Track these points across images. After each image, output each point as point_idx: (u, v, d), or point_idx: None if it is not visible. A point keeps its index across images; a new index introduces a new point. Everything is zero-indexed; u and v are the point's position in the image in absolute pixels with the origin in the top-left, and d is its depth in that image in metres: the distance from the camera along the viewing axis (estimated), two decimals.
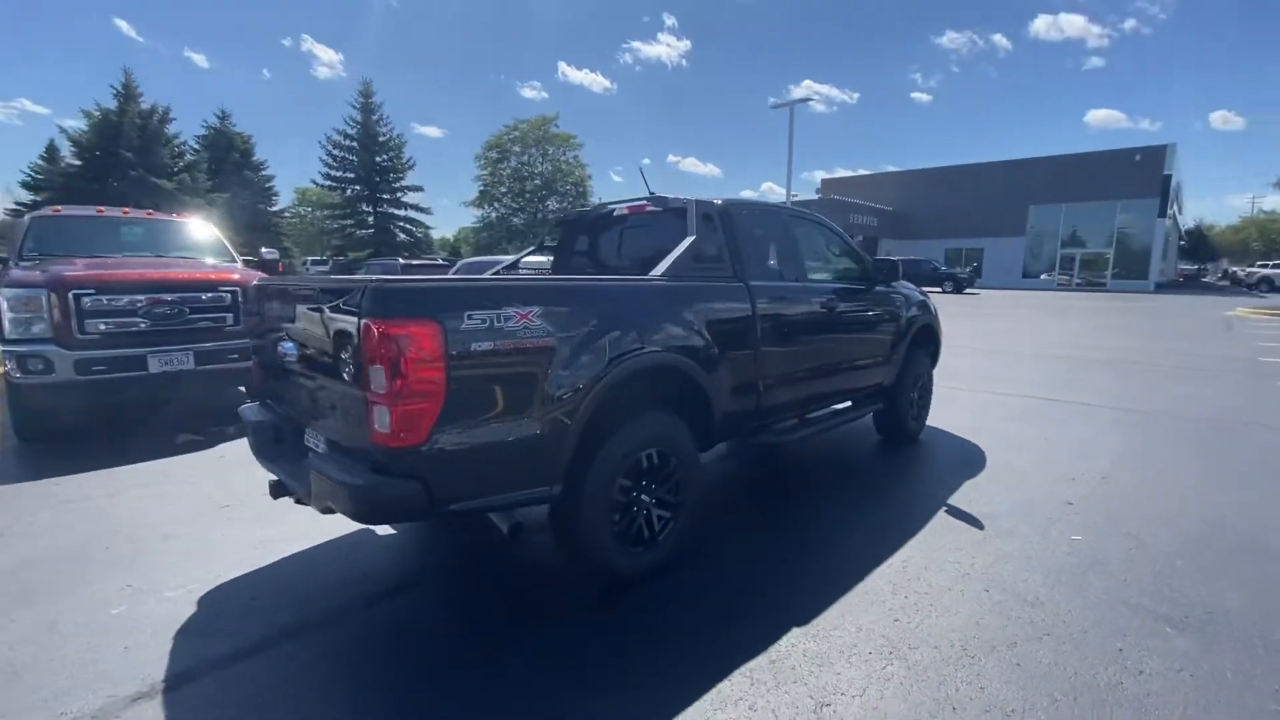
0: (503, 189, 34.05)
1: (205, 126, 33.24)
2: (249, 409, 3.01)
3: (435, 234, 33.88)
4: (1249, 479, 4.18)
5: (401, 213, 31.19)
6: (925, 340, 5.11)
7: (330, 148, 30.33)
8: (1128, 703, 2.01)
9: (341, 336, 2.11)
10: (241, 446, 4.91)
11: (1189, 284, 44.23)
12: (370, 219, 30.77)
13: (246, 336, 3.05)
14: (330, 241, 32.61)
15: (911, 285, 5.18)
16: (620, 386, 2.46)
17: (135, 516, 3.51)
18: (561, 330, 2.30)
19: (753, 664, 2.21)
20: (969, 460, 4.60)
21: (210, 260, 6.20)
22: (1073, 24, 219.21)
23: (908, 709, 1.99)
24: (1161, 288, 35.43)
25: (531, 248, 4.36)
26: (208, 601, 2.63)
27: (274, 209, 33.59)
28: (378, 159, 30.32)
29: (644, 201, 3.69)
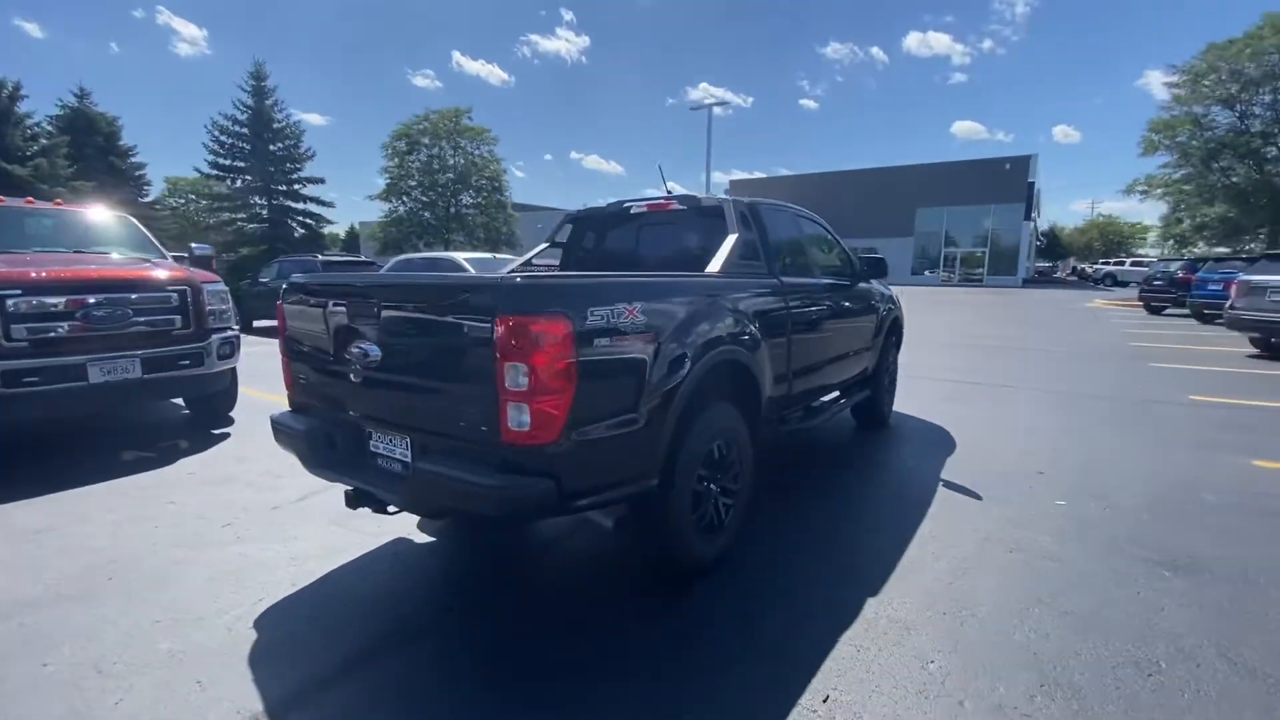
0: (411, 182, 32.40)
1: (61, 106, 29.16)
2: (286, 417, 2.78)
3: (324, 229, 31.65)
4: (1166, 445, 4.91)
5: (300, 206, 28.85)
6: (894, 331, 5.54)
7: (217, 133, 27.42)
8: (1164, 635, 2.36)
9: (463, 335, 2.05)
10: (207, 461, 4.51)
11: (1045, 280, 50.03)
12: (264, 212, 28.22)
13: (283, 340, 2.80)
14: (210, 237, 29.65)
15: (880, 281, 5.58)
16: (703, 379, 2.54)
17: (125, 544, 3.13)
18: (660, 325, 2.34)
19: (850, 634, 2.37)
20: (939, 440, 5.06)
21: (139, 255, 5.55)
22: (940, 41, 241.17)
23: (999, 657, 2.22)
24: (1027, 283, 39.91)
25: (544, 244, 4.29)
26: (267, 625, 2.43)
27: (147, 200, 30.06)
28: (272, 147, 27.80)
29: (665, 199, 3.76)
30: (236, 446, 4.88)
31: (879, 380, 5.15)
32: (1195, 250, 23.03)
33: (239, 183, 28.68)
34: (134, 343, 4.63)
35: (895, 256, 42.86)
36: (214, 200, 29.96)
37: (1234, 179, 21.70)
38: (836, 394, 4.73)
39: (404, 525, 3.33)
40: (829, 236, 4.59)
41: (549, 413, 1.93)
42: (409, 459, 2.34)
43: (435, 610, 2.58)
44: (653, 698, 2.03)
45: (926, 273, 42.14)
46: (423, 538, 3.24)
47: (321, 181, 29.44)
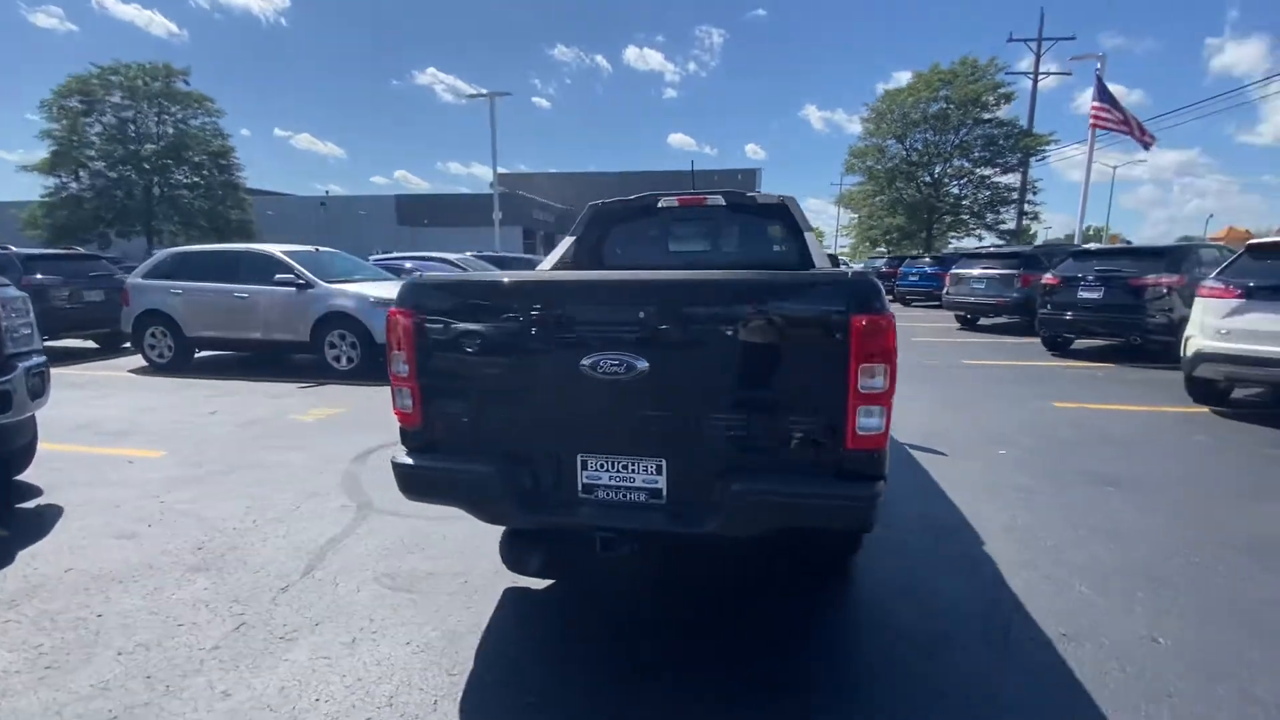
0: (91, 152, 24.63)
1: None
2: (436, 460, 2.09)
3: None
4: (993, 400, 6.46)
5: None
6: None
7: None
8: (1170, 535, 3.21)
9: (798, 336, 1.83)
10: (73, 547, 3.11)
11: None
12: None
13: (412, 361, 2.07)
14: None
15: None
16: None
17: (93, 691, 2.03)
18: None
19: (1017, 584, 2.74)
20: None
21: None
22: (654, 58, 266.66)
23: (1110, 572, 2.79)
24: None
25: (569, 237, 3.78)
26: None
27: None
28: None
29: (700, 195, 3.71)
30: (95, 519, 3.39)
31: None
32: (882, 250, 29.84)
33: None
34: None
35: None
36: None
37: (906, 196, 28.82)
38: None
39: (485, 575, 2.78)
40: None
41: (890, 412, 1.87)
42: (660, 485, 2.00)
43: (652, 644, 2.25)
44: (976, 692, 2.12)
45: None
46: (532, 582, 2.74)
47: None
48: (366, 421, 5.55)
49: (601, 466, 2.05)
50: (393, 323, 2.11)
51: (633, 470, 2.03)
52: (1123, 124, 17.26)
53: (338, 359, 7.67)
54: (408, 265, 12.72)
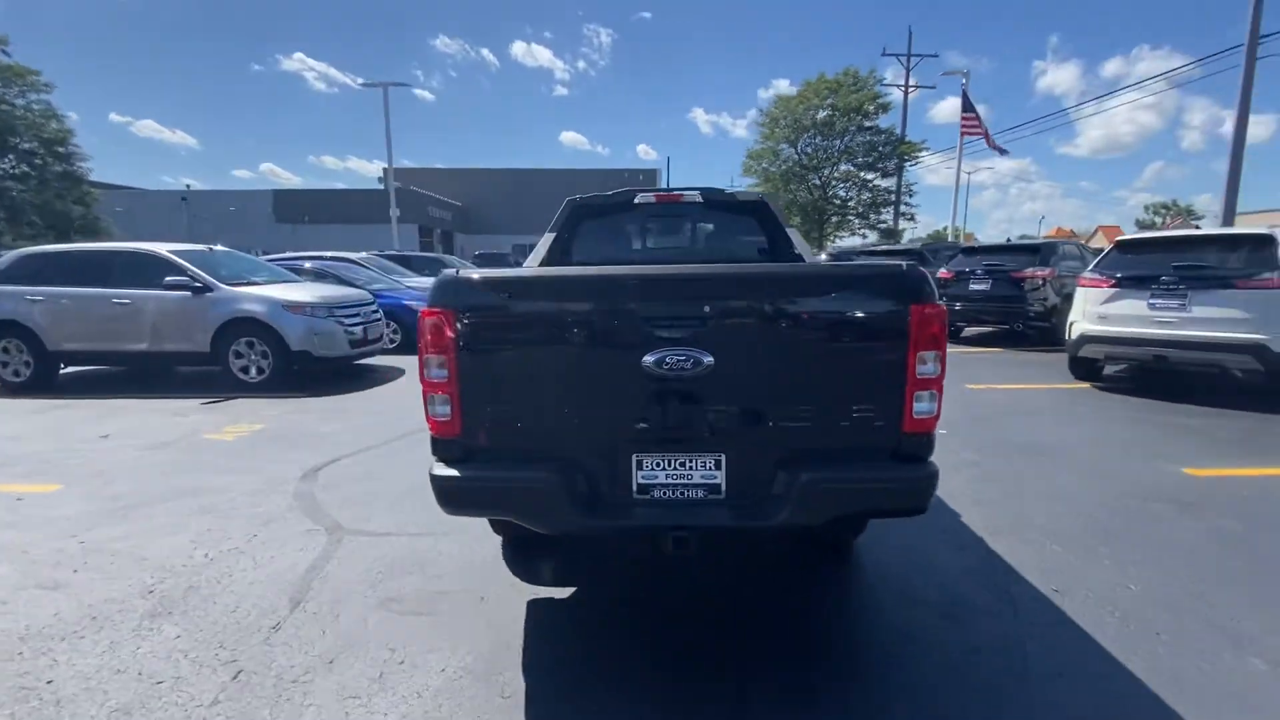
0: None
1: None
2: (487, 470, 1.93)
3: None
4: None
5: None
6: None
7: None
8: (1094, 488, 3.67)
9: (861, 326, 1.90)
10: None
11: None
12: None
13: (452, 363, 1.88)
14: None
15: None
16: None
17: None
18: None
19: (1005, 545, 3.01)
20: None
21: None
22: (543, 55, 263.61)
23: (1064, 522, 3.14)
24: None
25: (550, 232, 3.60)
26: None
27: None
28: None
29: (678, 192, 3.73)
30: (1, 569, 2.85)
31: None
32: None
33: None
34: None
35: None
36: None
37: (799, 198, 30.56)
38: None
39: (501, 590, 2.65)
40: None
41: (941, 395, 1.99)
42: (719, 480, 1.99)
43: (698, 636, 2.25)
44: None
45: None
46: (553, 592, 2.64)
47: None
48: (295, 437, 5.07)
49: (658, 465, 2.01)
50: (426, 324, 1.94)
51: (690, 467, 2.01)
52: (984, 133, 19.41)
53: (245, 370, 6.92)
54: (307, 266, 11.72)
